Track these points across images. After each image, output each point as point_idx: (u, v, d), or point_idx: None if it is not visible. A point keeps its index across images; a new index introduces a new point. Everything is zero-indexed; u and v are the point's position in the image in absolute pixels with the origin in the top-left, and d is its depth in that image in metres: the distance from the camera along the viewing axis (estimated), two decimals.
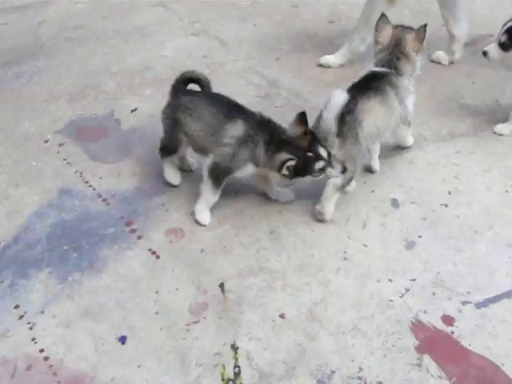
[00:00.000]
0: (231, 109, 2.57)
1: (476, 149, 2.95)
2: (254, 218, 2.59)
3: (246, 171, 2.54)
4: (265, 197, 2.69)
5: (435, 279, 2.26)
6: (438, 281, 2.26)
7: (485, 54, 2.92)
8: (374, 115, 2.53)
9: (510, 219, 2.53)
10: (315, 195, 2.61)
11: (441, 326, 2.10)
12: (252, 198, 2.70)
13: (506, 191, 2.69)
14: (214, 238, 2.49)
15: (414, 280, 2.26)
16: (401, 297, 2.20)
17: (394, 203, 2.63)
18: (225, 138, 2.50)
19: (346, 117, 2.44)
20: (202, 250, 2.44)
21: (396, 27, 2.73)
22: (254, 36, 4.29)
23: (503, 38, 2.86)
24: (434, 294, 2.21)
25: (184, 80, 2.70)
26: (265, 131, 2.49)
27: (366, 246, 2.42)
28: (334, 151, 2.44)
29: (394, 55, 2.68)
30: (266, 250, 2.42)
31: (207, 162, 2.55)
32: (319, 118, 2.51)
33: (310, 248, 2.42)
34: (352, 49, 3.75)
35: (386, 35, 2.72)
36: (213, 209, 2.62)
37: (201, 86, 2.72)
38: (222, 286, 2.27)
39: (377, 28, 2.76)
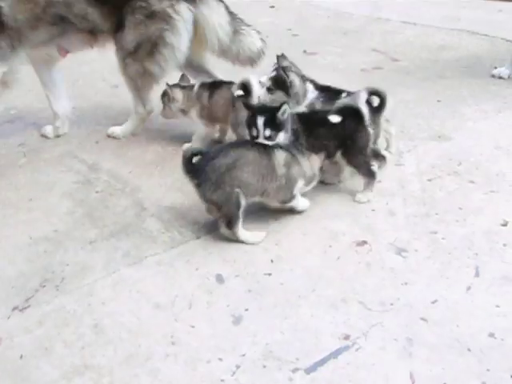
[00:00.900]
0: (262, 145, 2.88)
1: (294, 213, 3.05)
2: (76, 312, 2.46)
3: (297, 188, 2.94)
4: (88, 288, 2.59)
5: (264, 351, 2.26)
6: (267, 352, 2.26)
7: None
8: None
9: (331, 279, 2.62)
10: (137, 280, 2.58)
11: None
12: (73, 292, 2.58)
13: (325, 252, 2.80)
14: (34, 341, 2.33)
15: (243, 355, 2.25)
16: (232, 375, 2.17)
17: (219, 278, 2.63)
18: (278, 170, 2.84)
19: None
20: (21, 356, 2.26)
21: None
22: (72, 119, 4.20)
23: None
24: (264, 366, 2.20)
25: (191, 156, 2.80)
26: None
27: (193, 326, 2.38)
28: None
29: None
30: (91, 345, 2.30)
31: (272, 203, 2.95)
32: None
33: (136, 337, 2.33)
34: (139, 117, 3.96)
35: (178, 93, 3.64)
36: (33, 308, 2.48)
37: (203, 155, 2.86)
38: None
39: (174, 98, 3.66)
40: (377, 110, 3.20)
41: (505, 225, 2.95)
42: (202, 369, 2.20)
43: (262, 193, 2.86)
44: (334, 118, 3.11)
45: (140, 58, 3.73)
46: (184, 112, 3.71)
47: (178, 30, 3.65)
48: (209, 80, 3.85)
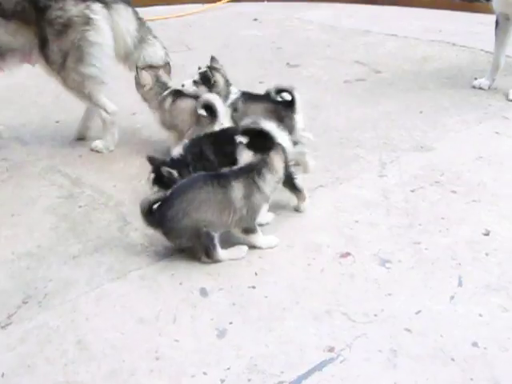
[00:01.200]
0: (217, 177, 2.79)
1: (278, 225, 3.06)
2: (59, 329, 2.44)
3: (263, 212, 2.90)
4: (71, 303, 2.57)
5: (249, 364, 2.26)
6: (252, 365, 2.25)
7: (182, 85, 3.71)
8: None
9: (315, 292, 2.62)
10: (121, 295, 2.57)
11: None
12: (56, 308, 2.56)
13: (309, 264, 2.80)
14: (16, 358, 2.31)
15: (228, 369, 2.24)
16: None
17: (203, 292, 2.63)
18: (237, 203, 2.75)
19: None
20: (2, 374, 2.24)
21: (147, 69, 3.72)
22: (56, 134, 4.21)
23: None
24: (249, 380, 2.19)
25: (150, 207, 2.75)
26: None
27: (177, 341, 2.37)
28: None
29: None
30: (74, 362, 2.28)
31: (236, 233, 2.86)
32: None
33: (120, 353, 2.32)
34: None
35: (147, 78, 3.68)
36: (15, 325, 2.46)
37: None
38: None
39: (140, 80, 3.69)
40: (289, 105, 3.40)
41: (487, 234, 2.97)
42: (187, 383, 2.19)
43: (227, 225, 2.81)
44: (241, 139, 3.02)
45: (72, 67, 3.70)
46: (146, 101, 3.76)
47: (100, 27, 3.65)
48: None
